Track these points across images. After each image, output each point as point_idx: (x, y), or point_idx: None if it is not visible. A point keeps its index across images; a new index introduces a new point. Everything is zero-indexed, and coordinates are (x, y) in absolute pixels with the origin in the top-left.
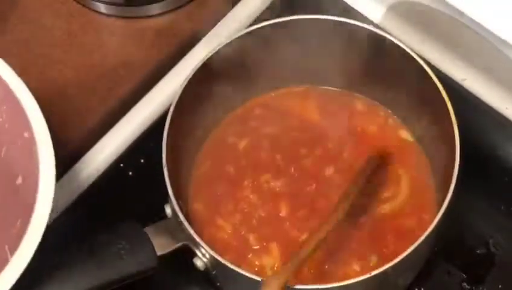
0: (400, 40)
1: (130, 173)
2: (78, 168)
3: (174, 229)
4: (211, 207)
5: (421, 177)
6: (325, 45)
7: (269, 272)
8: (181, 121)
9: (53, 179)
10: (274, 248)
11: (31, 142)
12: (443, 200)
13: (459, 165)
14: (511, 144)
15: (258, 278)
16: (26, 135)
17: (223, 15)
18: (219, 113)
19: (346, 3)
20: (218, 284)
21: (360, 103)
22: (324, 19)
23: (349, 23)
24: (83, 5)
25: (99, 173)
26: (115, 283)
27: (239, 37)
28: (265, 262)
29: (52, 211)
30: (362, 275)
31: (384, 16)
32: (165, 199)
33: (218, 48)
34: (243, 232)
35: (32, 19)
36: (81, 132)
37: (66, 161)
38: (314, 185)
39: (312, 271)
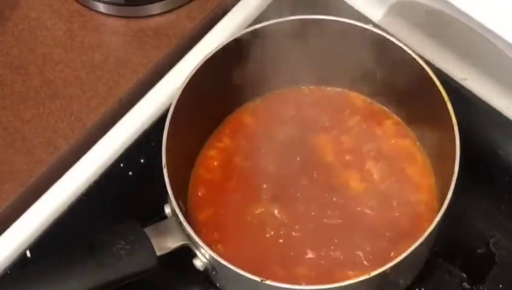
0: (400, 40)
1: (130, 173)
2: (78, 168)
3: (174, 229)
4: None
5: (421, 176)
6: (325, 45)
7: None
8: (181, 121)
9: None
10: None
11: None
12: (443, 200)
13: (459, 165)
14: (511, 144)
15: (258, 279)
16: None
17: (223, 15)
18: (219, 113)
19: (346, 3)
20: (217, 284)
21: (359, 103)
22: (324, 19)
23: (349, 23)
24: (83, 5)
25: (99, 173)
26: (114, 283)
27: (239, 37)
28: None
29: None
30: (362, 275)
31: (384, 16)
32: (165, 199)
33: (218, 48)
34: None
35: (33, 18)
36: (81, 132)
37: (66, 160)
38: (313, 186)
39: (312, 272)
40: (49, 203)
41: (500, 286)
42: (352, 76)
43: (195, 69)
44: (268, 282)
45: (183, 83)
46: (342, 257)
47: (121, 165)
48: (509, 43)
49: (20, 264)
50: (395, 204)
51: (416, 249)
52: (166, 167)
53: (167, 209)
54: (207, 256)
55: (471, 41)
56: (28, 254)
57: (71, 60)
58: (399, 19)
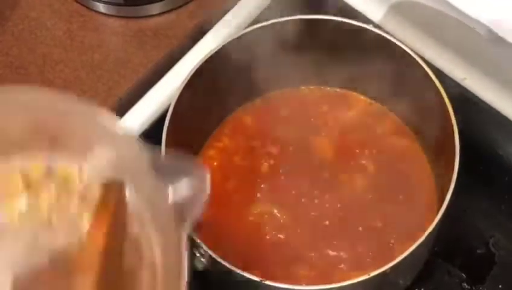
0: (400, 40)
1: None
2: None
3: None
4: None
5: (421, 177)
6: (325, 45)
7: None
8: (181, 121)
9: None
10: None
11: None
12: (443, 200)
13: (459, 165)
14: (511, 144)
15: (258, 279)
16: None
17: (223, 15)
18: (219, 113)
19: (346, 3)
20: (217, 284)
21: (359, 103)
22: (324, 19)
23: (349, 23)
24: (83, 5)
25: None
26: None
27: (239, 37)
28: None
29: None
30: (362, 275)
31: (384, 15)
32: None
33: (218, 48)
34: None
35: (33, 18)
36: None
37: None
38: (313, 186)
39: (312, 272)
40: None
41: (500, 286)
42: (352, 76)
43: (195, 69)
44: (268, 282)
45: (183, 82)
46: (341, 257)
47: None
48: (509, 43)
49: None
50: (394, 204)
51: (416, 249)
52: None
53: None
54: (207, 256)
55: (471, 41)
56: None
57: (71, 60)
58: (399, 19)
